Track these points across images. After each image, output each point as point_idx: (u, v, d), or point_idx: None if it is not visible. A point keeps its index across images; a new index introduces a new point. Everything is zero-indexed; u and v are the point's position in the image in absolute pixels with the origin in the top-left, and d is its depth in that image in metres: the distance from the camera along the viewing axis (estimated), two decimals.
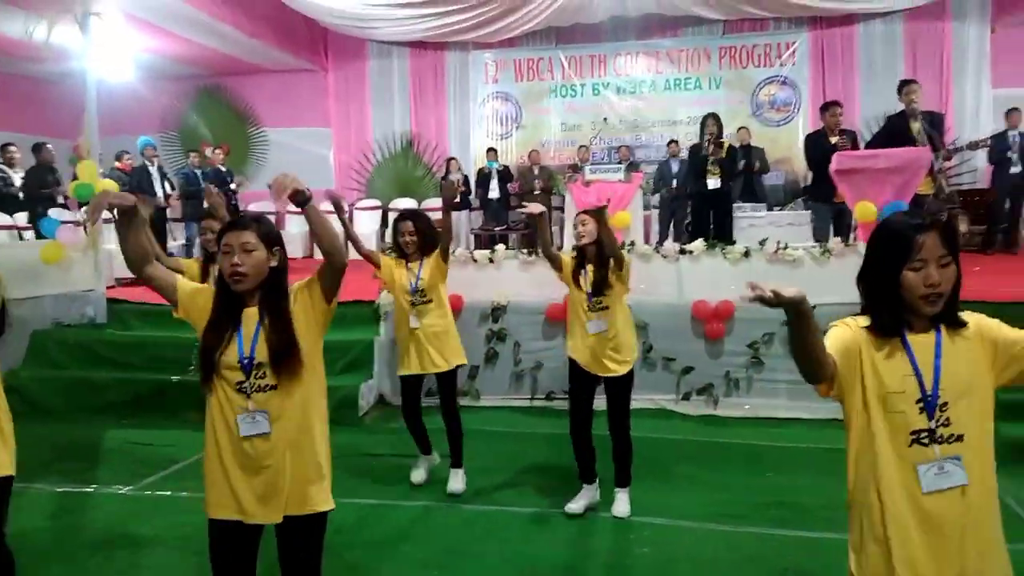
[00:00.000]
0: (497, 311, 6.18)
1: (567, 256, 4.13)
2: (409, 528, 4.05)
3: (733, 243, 6.39)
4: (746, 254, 5.90)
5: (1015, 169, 8.98)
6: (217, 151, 10.30)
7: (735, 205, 8.25)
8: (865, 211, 5.87)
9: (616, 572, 3.54)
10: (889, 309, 1.81)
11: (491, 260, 6.29)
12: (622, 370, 3.99)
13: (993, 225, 9.37)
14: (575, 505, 4.10)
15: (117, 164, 9.75)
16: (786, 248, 5.84)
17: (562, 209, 8.67)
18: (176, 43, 10.27)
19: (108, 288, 7.59)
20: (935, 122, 6.90)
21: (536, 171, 10.89)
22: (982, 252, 9.31)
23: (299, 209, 2.28)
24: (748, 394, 5.84)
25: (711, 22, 11.54)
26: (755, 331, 5.77)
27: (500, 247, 6.44)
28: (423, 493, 4.49)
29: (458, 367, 4.48)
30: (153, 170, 9.10)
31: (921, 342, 1.81)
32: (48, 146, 9.09)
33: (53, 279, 7.01)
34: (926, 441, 1.78)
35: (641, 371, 6.00)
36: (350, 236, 4.37)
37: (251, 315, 2.27)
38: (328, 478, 2.37)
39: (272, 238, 2.29)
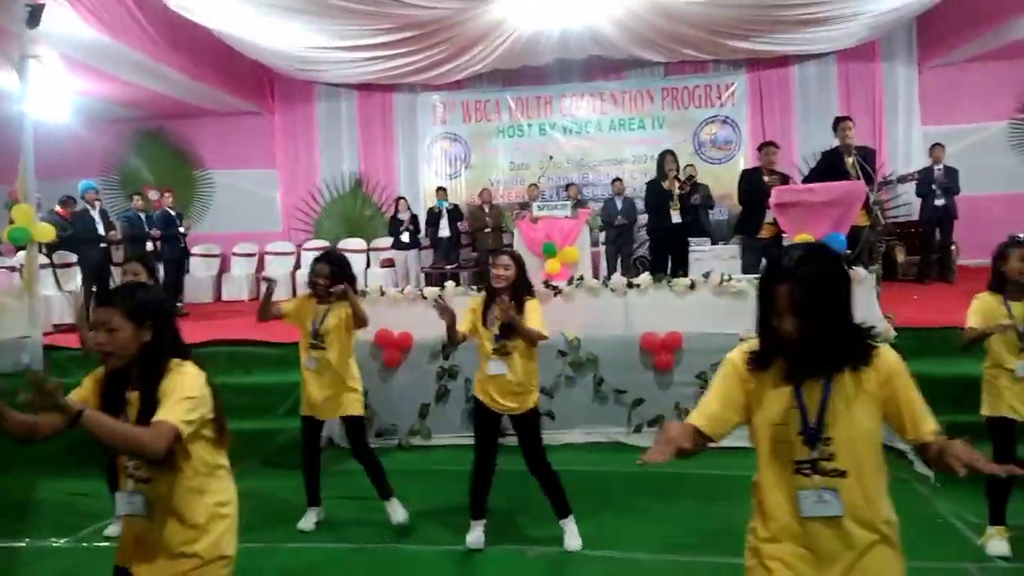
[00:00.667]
0: (448, 348, 6.15)
1: (472, 303, 4.15)
2: (356, 570, 3.98)
3: (685, 275, 6.49)
4: (692, 286, 5.99)
5: (939, 201, 9.40)
6: (166, 194, 10.14)
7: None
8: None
9: None
10: (769, 344, 1.89)
11: (440, 298, 6.26)
12: (522, 408, 4.03)
13: (927, 255, 9.70)
14: (473, 539, 4.13)
15: (58, 208, 9.51)
16: (730, 280, 5.96)
17: (511, 246, 8.70)
18: (117, 86, 10.12)
19: (45, 334, 7.34)
20: (868, 156, 7.17)
21: (487, 209, 10.96)
22: (919, 282, 9.62)
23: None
24: None
25: (652, 64, 11.86)
26: (704, 361, 5.83)
27: (450, 284, 6.43)
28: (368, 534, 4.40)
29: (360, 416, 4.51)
30: (95, 213, 8.90)
31: (810, 385, 1.87)
32: None
33: None
34: (808, 471, 1.83)
35: (592, 404, 6.07)
36: (264, 311, 4.43)
37: (133, 400, 2.16)
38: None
39: (143, 312, 2.15)
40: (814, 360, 1.83)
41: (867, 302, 5.79)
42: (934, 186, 9.42)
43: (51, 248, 8.82)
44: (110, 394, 2.17)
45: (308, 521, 4.50)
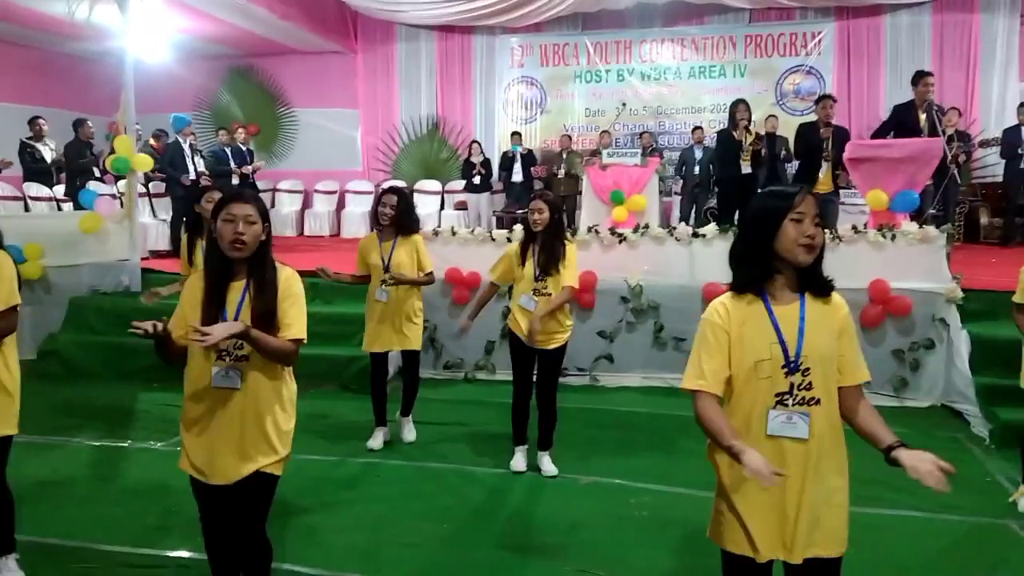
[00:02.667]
0: (512, 291, 6.37)
1: (511, 248, 4.44)
2: (404, 484, 4.35)
3: None
4: None
5: None
6: (240, 130, 10.54)
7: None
8: (876, 199, 5.98)
9: (616, 532, 3.75)
10: (760, 263, 2.01)
11: (509, 240, 6.47)
12: (555, 344, 4.26)
13: (1011, 218, 9.38)
14: (516, 464, 4.44)
15: (152, 142, 10.03)
16: None
17: (581, 192, 8.79)
18: (210, 23, 10.53)
19: (142, 259, 7.90)
20: (938, 114, 6.96)
21: (564, 156, 11.02)
22: (1002, 245, 9.34)
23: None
24: None
25: (737, 10, 11.58)
26: None
27: (518, 227, 6.61)
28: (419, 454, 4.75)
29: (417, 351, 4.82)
30: (186, 147, 9.37)
31: (786, 313, 2.01)
32: (88, 122, 9.41)
33: (90, 249, 7.33)
34: (788, 402, 1.98)
35: (652, 350, 6.25)
36: (342, 280, 4.82)
37: (236, 287, 2.46)
38: (280, 453, 2.52)
39: (266, 214, 2.49)
40: (808, 275, 2.01)
41: (935, 261, 5.75)
42: (1020, 149, 9.04)
43: (148, 178, 9.38)
44: (217, 282, 2.46)
45: (376, 440, 4.86)
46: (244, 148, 10.24)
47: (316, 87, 12.98)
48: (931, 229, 5.75)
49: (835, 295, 2.06)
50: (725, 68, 11.91)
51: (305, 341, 2.50)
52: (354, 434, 5.00)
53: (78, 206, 8.10)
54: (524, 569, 3.41)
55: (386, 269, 4.59)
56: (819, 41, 11.58)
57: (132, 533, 3.67)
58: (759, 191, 2.09)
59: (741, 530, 2.04)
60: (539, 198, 4.28)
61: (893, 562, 3.38)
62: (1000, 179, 10.08)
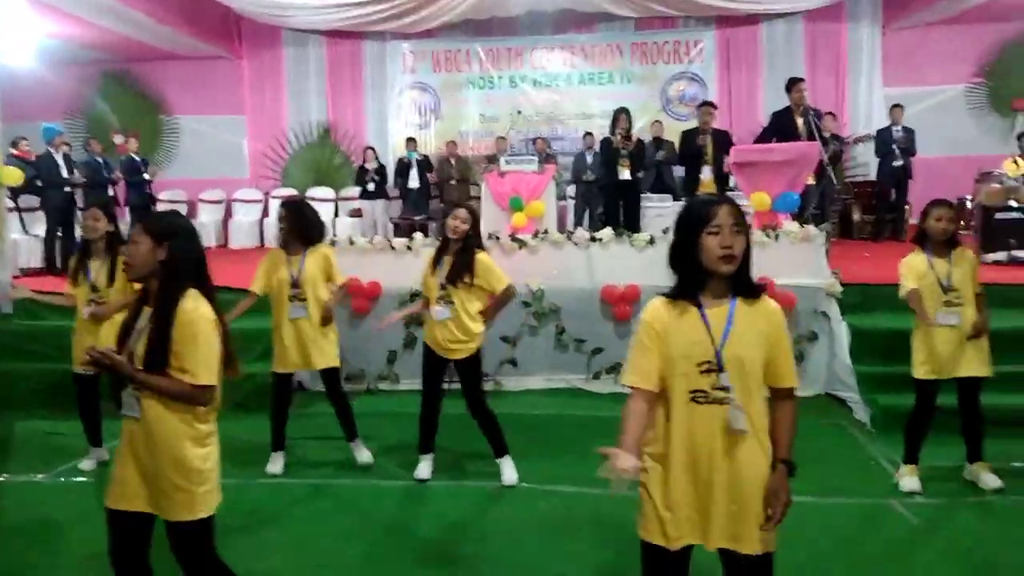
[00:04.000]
0: (416, 296, 6.32)
1: (425, 261, 4.43)
2: (319, 502, 4.27)
3: (639, 231, 6.71)
4: (651, 241, 6.22)
5: (897, 162, 9.68)
6: (131, 139, 10.06)
7: (644, 196, 8.61)
8: (760, 201, 6.28)
9: (526, 536, 3.77)
10: (690, 274, 2.10)
11: (409, 248, 6.43)
12: (463, 353, 4.29)
13: (881, 214, 10.04)
14: (421, 472, 4.46)
15: (13, 151, 9.39)
16: None
17: (479, 198, 8.83)
18: (82, 27, 9.93)
19: (13, 278, 7.38)
20: (815, 118, 7.36)
21: (453, 162, 11.04)
22: (873, 240, 9.96)
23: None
24: None
25: (623, 19, 11.90)
26: None
27: (418, 235, 6.59)
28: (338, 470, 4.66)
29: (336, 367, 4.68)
30: (59, 158, 8.84)
31: (716, 314, 2.09)
32: None
33: None
34: (702, 400, 2.07)
35: (554, 352, 6.33)
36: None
37: (147, 313, 2.35)
38: (192, 491, 2.33)
39: (161, 232, 2.31)
40: (738, 280, 2.08)
41: (816, 258, 6.09)
42: (893, 146, 9.69)
43: (15, 192, 8.79)
44: (134, 307, 2.38)
45: (276, 464, 4.68)
46: (136, 158, 9.78)
47: (199, 93, 12.49)
48: (811, 228, 6.08)
49: (772, 303, 2.13)
50: (613, 75, 12.22)
51: (211, 384, 2.30)
52: (255, 456, 4.76)
53: None
54: None
55: (295, 284, 4.43)
56: (701, 49, 12.05)
57: (12, 573, 3.44)
58: (684, 202, 2.20)
59: (656, 520, 2.13)
60: (463, 207, 4.31)
61: (782, 544, 3.53)
62: (872, 178, 10.78)
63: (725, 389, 2.05)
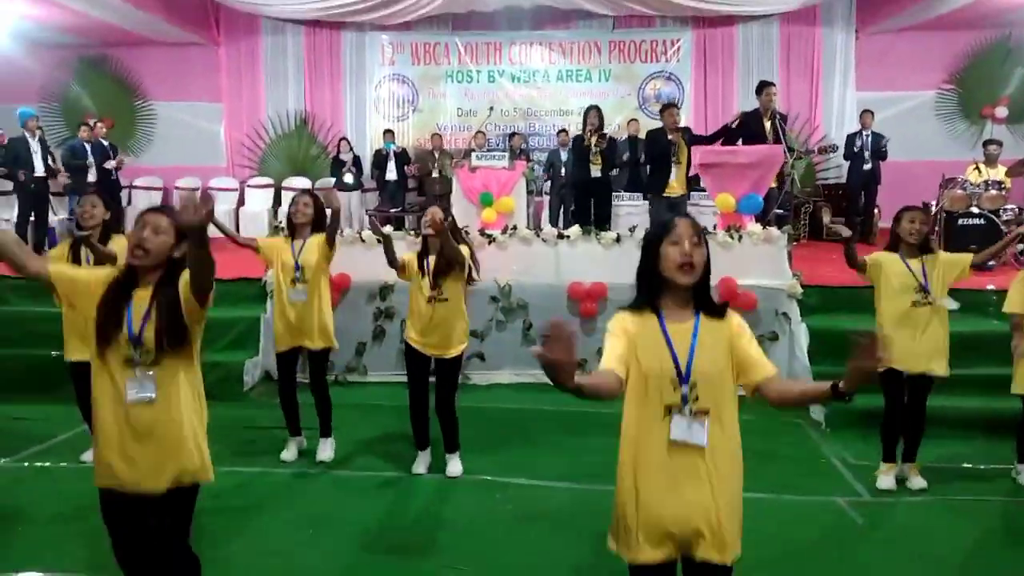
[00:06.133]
0: (385, 290, 6.40)
1: (409, 254, 4.49)
2: (281, 493, 4.31)
3: (608, 229, 6.81)
4: (617, 240, 6.32)
5: (867, 166, 9.86)
6: (99, 124, 9.98)
7: (615, 194, 8.70)
8: (725, 202, 6.40)
9: (483, 527, 3.87)
10: (650, 283, 2.18)
11: (379, 241, 6.46)
12: (452, 353, 4.38)
13: (851, 217, 10.20)
14: (417, 467, 4.53)
15: None
16: None
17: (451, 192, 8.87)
18: (57, 11, 9.84)
19: None
20: (782, 122, 7.49)
21: (437, 155, 11.05)
22: (842, 242, 10.10)
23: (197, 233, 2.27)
24: None
25: (601, 17, 11.97)
26: None
27: (388, 228, 6.62)
28: (297, 462, 4.74)
29: (327, 349, 4.71)
30: (34, 143, 8.76)
31: (680, 330, 2.15)
32: None
33: None
34: (676, 413, 2.11)
35: (521, 347, 6.42)
36: (226, 234, 4.67)
37: (142, 296, 2.41)
38: (201, 458, 2.48)
39: (183, 232, 2.39)
40: (701, 295, 2.15)
41: (778, 259, 6.22)
42: (865, 151, 9.86)
43: None
44: (123, 284, 2.41)
45: (291, 451, 4.76)
46: (105, 143, 9.71)
47: (176, 80, 12.38)
48: (774, 230, 6.21)
49: (734, 317, 2.19)
50: (591, 72, 12.28)
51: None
52: (229, 445, 4.79)
53: None
54: (388, 569, 3.47)
55: (296, 268, 4.51)
56: (678, 49, 12.14)
57: None
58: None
59: (634, 536, 2.13)
60: (436, 206, 4.40)
61: None
62: (842, 181, 10.94)
63: (696, 400, 2.10)
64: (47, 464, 4.61)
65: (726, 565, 2.12)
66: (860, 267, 4.33)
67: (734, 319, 2.19)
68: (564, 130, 10.82)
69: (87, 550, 3.43)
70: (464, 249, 4.34)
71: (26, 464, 4.62)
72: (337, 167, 11.13)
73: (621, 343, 2.13)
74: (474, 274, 4.39)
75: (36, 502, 4.03)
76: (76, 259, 4.33)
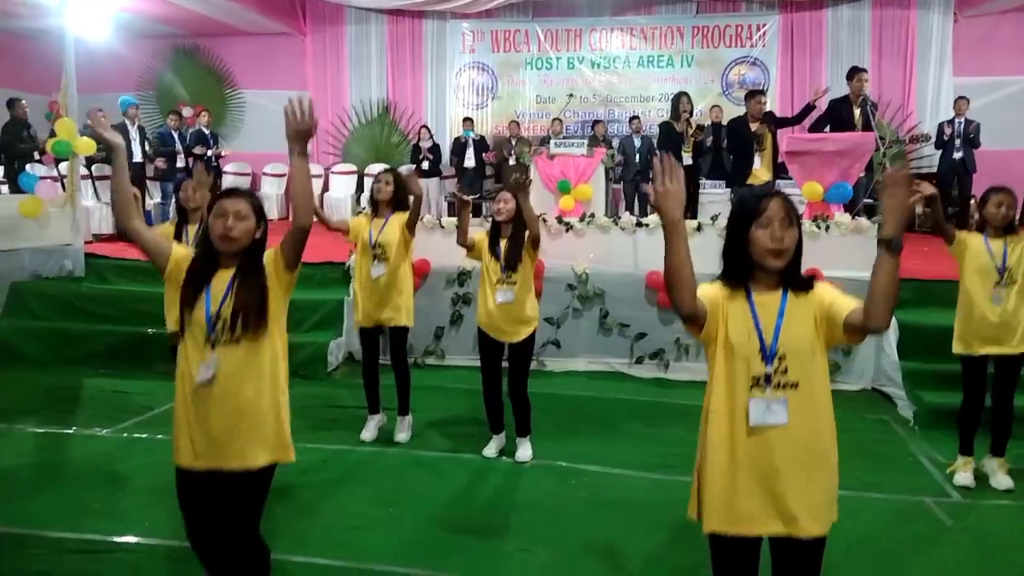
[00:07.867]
0: (463, 276, 6.48)
1: (480, 234, 4.47)
2: (360, 470, 4.42)
3: (694, 218, 6.70)
4: (698, 228, 6.22)
5: (957, 154, 9.41)
6: (203, 113, 10.41)
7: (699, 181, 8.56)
8: (812, 191, 6.22)
9: (557, 511, 3.88)
10: (739, 264, 2.12)
11: (460, 206, 6.54)
12: (523, 335, 4.38)
13: (943, 207, 9.77)
14: (489, 451, 4.57)
15: (88, 121, 9.79)
16: None
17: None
18: (154, 2, 10.31)
19: (86, 243, 7.77)
20: (872, 109, 7.22)
21: (514, 142, 11.08)
22: (934, 234, 9.67)
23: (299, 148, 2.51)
24: (697, 359, 6.18)
25: (684, 1, 11.79)
26: None
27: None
28: (376, 441, 4.84)
29: (406, 328, 4.77)
30: (133, 131, 9.19)
31: (767, 302, 2.11)
32: (22, 101, 9.14)
33: (32, 233, 7.18)
34: (763, 385, 2.08)
35: (597, 336, 6.41)
36: (319, 218, 4.65)
37: (223, 276, 2.46)
38: (276, 438, 2.47)
39: (261, 212, 2.51)
40: (791, 273, 2.10)
41: (867, 250, 5.99)
42: (956, 139, 9.43)
43: (90, 161, 9.20)
44: (204, 267, 2.47)
45: (369, 430, 4.87)
46: (207, 132, 10.14)
47: (264, 69, 12.79)
48: (863, 220, 6.01)
49: (819, 286, 2.12)
50: (673, 58, 12.10)
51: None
52: (312, 422, 4.99)
53: (16, 189, 7.91)
54: (465, 548, 3.52)
55: (374, 245, 4.60)
56: (764, 33, 11.84)
57: (78, 520, 3.67)
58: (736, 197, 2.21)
59: (720, 508, 2.10)
60: (504, 189, 4.38)
61: None
62: (934, 170, 10.48)
63: (784, 373, 2.06)
64: (145, 435, 4.85)
65: (815, 539, 2.08)
66: (949, 238, 4.16)
67: (819, 288, 2.12)
68: (636, 117, 10.65)
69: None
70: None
71: (126, 435, 4.88)
72: (415, 154, 11.29)
73: (713, 299, 2.10)
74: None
75: (136, 471, 4.25)
76: (179, 236, 4.52)
